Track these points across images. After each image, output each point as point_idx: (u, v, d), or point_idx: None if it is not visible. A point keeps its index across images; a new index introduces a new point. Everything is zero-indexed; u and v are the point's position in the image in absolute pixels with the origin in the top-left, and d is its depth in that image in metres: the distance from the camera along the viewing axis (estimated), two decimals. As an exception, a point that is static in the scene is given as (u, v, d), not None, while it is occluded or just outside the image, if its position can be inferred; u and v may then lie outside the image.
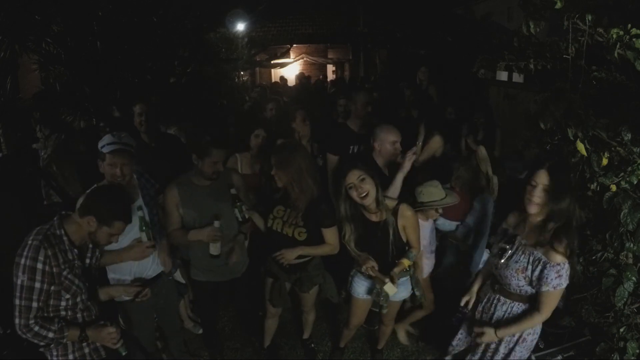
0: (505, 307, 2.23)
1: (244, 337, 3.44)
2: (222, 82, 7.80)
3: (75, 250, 1.97)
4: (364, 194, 2.43)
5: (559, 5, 1.92)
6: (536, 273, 2.04)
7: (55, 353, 2.01)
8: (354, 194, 2.45)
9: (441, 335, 3.03)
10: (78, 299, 1.99)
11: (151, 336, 2.77)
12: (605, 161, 1.98)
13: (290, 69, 16.00)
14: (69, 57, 4.59)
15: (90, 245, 2.08)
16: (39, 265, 1.82)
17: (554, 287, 2.00)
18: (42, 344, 1.92)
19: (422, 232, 2.86)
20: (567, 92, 2.05)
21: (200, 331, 3.47)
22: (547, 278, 1.99)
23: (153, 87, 4.91)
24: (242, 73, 11.19)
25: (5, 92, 4.67)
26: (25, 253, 1.82)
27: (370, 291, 2.67)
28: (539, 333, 2.29)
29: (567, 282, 2.01)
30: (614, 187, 1.98)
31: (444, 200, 2.85)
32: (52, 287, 1.87)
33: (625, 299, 2.02)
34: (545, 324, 2.77)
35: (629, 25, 1.77)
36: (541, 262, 2.02)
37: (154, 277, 2.57)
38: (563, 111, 1.99)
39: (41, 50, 4.56)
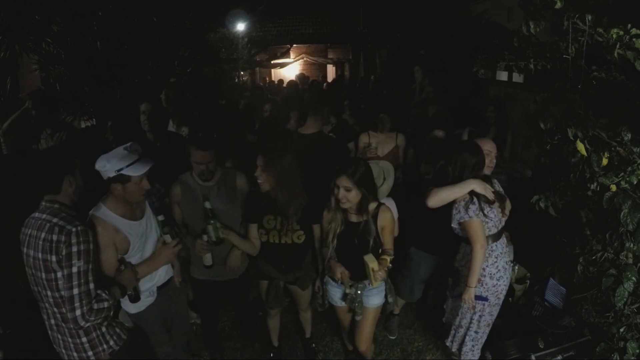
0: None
1: (244, 337, 3.44)
2: (222, 82, 7.80)
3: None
4: (344, 202, 2.41)
5: (559, 5, 1.91)
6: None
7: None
8: (334, 194, 2.43)
9: (441, 334, 3.03)
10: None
11: (168, 341, 2.68)
12: (605, 161, 1.97)
13: (290, 69, 15.99)
14: (69, 57, 4.59)
15: None
16: (91, 246, 1.89)
17: (460, 219, 2.49)
18: (103, 316, 1.94)
19: None
20: (567, 92, 2.05)
21: (198, 320, 3.45)
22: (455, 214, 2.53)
23: (153, 87, 4.91)
24: (242, 73, 11.19)
25: (5, 92, 4.68)
26: (75, 240, 1.83)
27: (344, 297, 2.64)
28: (500, 279, 2.55)
29: (468, 216, 2.44)
30: (614, 187, 1.98)
31: None
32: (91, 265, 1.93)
33: (625, 299, 2.01)
34: (546, 324, 2.79)
35: (629, 25, 1.77)
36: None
37: (164, 282, 2.52)
38: (563, 111, 1.99)
39: (41, 50, 4.56)
